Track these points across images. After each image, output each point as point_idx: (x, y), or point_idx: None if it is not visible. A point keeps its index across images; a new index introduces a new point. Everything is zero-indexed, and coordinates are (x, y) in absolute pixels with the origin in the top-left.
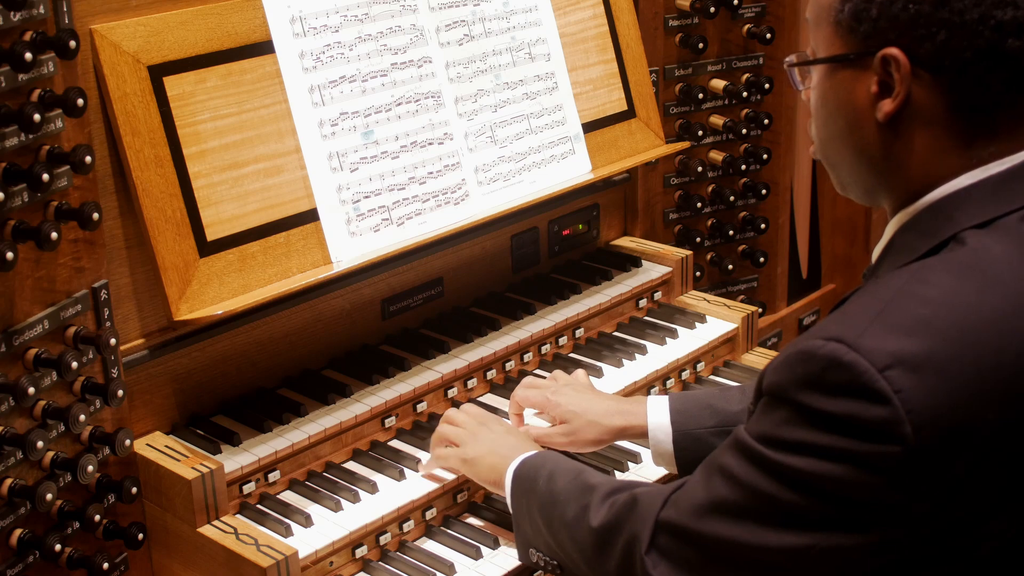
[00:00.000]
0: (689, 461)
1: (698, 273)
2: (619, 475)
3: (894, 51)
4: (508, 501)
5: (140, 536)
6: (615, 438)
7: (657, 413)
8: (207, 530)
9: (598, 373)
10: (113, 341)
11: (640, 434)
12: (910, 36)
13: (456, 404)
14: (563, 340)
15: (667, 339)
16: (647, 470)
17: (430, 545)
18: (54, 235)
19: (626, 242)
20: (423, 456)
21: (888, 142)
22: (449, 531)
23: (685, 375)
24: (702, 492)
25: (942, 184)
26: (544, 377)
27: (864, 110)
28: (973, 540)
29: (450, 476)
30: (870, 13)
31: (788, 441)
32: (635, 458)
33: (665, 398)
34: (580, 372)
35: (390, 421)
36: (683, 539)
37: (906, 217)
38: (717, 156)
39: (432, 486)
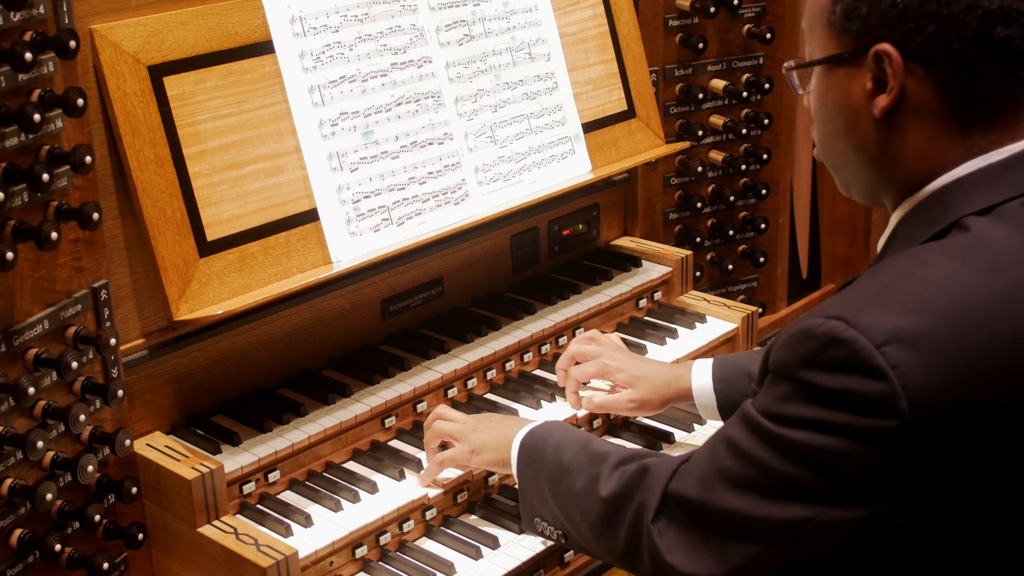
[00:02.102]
0: None
1: (698, 273)
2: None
3: (886, 46)
4: (514, 472)
5: (140, 536)
6: (672, 403)
7: (700, 377)
8: (207, 530)
9: None
10: (113, 341)
11: (687, 397)
12: (900, 31)
13: (456, 404)
14: (563, 340)
15: (667, 339)
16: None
17: (430, 545)
18: (54, 235)
19: (626, 242)
20: (423, 456)
21: (885, 137)
22: (449, 531)
23: None
24: (708, 463)
25: (943, 173)
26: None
27: (861, 108)
28: (967, 522)
29: (450, 476)
30: (860, 11)
31: (790, 416)
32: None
33: (708, 363)
34: (614, 335)
35: (390, 421)
36: (688, 508)
37: (909, 207)
38: (717, 156)
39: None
